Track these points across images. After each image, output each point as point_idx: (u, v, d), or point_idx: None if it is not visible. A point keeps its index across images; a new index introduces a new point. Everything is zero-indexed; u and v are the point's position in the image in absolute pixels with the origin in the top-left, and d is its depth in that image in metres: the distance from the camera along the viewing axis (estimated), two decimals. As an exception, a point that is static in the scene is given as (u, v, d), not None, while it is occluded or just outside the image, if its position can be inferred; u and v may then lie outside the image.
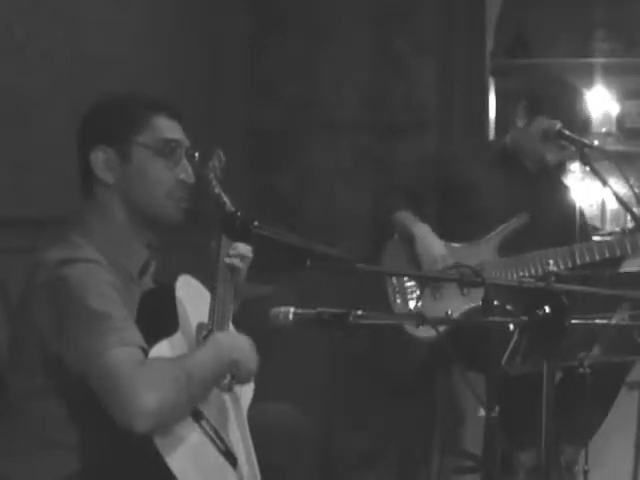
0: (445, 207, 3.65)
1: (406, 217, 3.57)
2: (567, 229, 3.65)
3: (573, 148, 3.44)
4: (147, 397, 2.09)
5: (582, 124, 3.53)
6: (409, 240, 3.53)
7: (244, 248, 2.55)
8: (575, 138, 3.42)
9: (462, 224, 3.58)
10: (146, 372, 2.13)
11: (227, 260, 2.51)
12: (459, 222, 3.59)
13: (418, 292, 3.49)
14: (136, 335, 2.19)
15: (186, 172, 2.41)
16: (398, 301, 3.52)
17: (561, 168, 3.68)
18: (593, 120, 4.98)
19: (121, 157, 2.36)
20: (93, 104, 2.44)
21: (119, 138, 2.36)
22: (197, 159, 2.47)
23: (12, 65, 3.09)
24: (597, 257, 3.43)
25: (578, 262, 3.42)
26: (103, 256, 2.29)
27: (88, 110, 2.43)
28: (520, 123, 3.58)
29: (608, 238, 3.53)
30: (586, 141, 3.45)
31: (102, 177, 2.36)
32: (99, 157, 2.36)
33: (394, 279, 3.52)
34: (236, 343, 2.37)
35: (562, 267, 3.39)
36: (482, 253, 3.51)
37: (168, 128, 2.41)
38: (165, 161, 2.39)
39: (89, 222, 2.36)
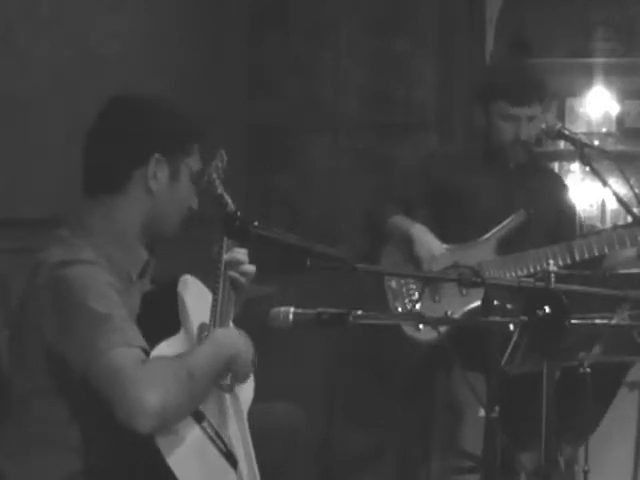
0: (440, 211, 3.65)
1: (401, 220, 3.58)
2: (564, 225, 3.66)
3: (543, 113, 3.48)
4: (150, 396, 2.09)
5: (530, 90, 3.53)
6: (406, 242, 3.53)
7: (249, 267, 2.53)
8: (575, 138, 3.43)
9: (458, 227, 3.58)
10: (148, 371, 2.13)
11: (233, 275, 2.50)
12: (455, 225, 3.59)
13: (417, 295, 3.49)
14: (137, 336, 2.20)
15: (196, 201, 2.45)
16: (397, 304, 3.52)
17: (548, 156, 3.69)
18: (592, 119, 5.01)
19: (172, 173, 2.36)
20: (149, 102, 2.39)
21: (176, 153, 2.35)
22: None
23: (12, 67, 3.09)
24: (596, 253, 3.43)
25: (577, 258, 3.42)
26: (103, 257, 2.29)
27: (138, 105, 2.38)
28: (480, 121, 3.60)
29: (607, 233, 3.52)
30: (586, 141, 3.45)
31: (147, 183, 2.34)
32: (152, 164, 2.33)
33: (393, 283, 3.53)
34: (233, 339, 2.37)
35: (561, 264, 3.39)
36: (481, 253, 3.51)
37: (199, 157, 2.43)
38: (195, 189, 2.42)
39: (90, 223, 2.35)
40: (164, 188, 2.36)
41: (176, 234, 2.43)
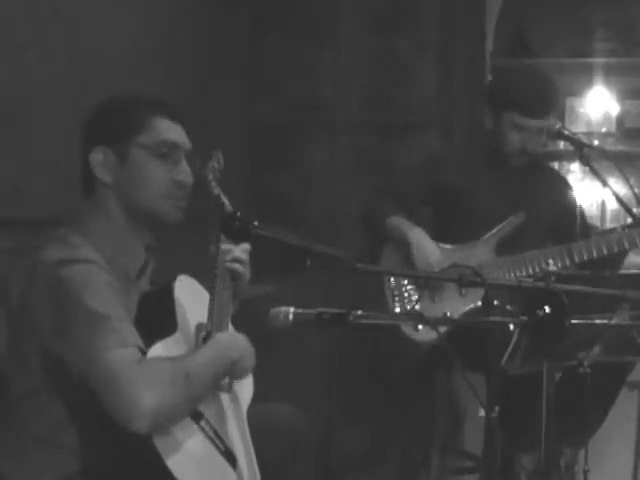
0: (440, 210, 3.64)
1: (400, 222, 3.56)
2: (565, 225, 3.65)
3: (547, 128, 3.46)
4: (145, 397, 2.10)
5: (545, 103, 3.51)
6: (404, 245, 3.52)
7: (240, 251, 2.54)
8: (575, 138, 3.42)
9: (458, 227, 3.57)
10: (144, 372, 2.13)
11: (228, 265, 2.51)
12: (455, 225, 3.58)
13: (416, 295, 3.49)
14: (134, 336, 2.20)
15: (184, 173, 2.41)
16: (396, 305, 3.52)
17: (547, 156, 3.67)
18: (592, 119, 5.01)
19: (119, 157, 2.37)
20: (95, 106, 2.46)
21: (118, 138, 2.38)
22: (198, 163, 2.48)
23: (12, 65, 3.09)
24: (595, 255, 3.42)
25: (577, 260, 3.42)
26: (101, 256, 2.29)
27: (90, 112, 2.45)
28: (489, 124, 3.58)
29: (606, 235, 3.52)
30: (586, 141, 3.45)
31: (100, 177, 2.38)
32: (98, 157, 2.37)
33: (392, 283, 3.52)
34: (236, 342, 2.38)
35: (560, 265, 3.39)
36: (480, 253, 3.51)
37: (168, 129, 2.41)
38: (162, 162, 2.39)
39: (88, 222, 2.37)
40: (119, 174, 2.38)
41: (171, 215, 2.40)
